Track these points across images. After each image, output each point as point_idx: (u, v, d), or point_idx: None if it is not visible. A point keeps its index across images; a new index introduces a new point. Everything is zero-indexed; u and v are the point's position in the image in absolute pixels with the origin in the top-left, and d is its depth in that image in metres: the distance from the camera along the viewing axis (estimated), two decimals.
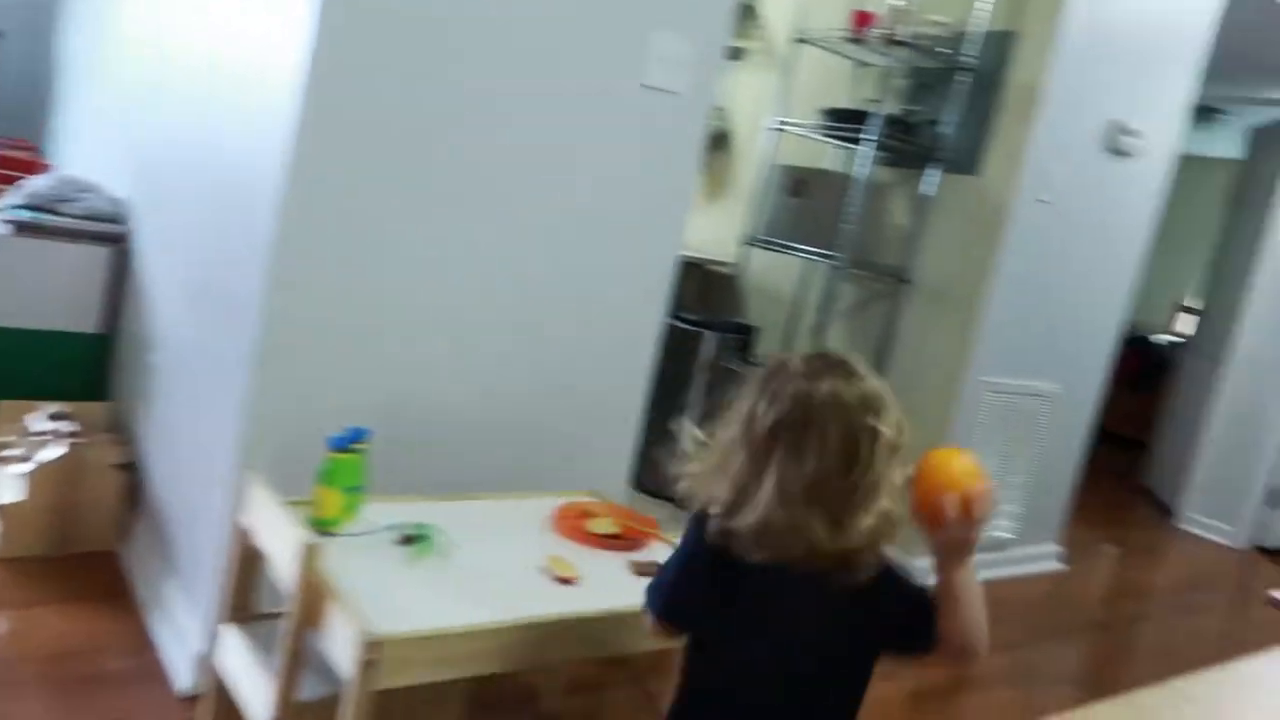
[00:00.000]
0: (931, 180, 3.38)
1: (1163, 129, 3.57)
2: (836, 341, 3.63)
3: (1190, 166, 3.61)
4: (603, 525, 1.79)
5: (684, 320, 3.66)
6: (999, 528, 3.58)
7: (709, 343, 3.62)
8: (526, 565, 1.63)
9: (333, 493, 1.58)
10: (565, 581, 1.59)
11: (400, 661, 1.30)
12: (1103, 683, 2.90)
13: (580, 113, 2.11)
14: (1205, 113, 6.05)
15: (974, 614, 1.16)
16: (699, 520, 1.20)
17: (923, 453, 1.20)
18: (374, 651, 1.26)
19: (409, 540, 1.59)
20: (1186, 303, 7.60)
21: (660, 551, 1.80)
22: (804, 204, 3.48)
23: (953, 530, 1.14)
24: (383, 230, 1.92)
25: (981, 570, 3.25)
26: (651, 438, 3.57)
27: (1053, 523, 3.87)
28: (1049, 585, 3.68)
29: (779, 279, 3.91)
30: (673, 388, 3.63)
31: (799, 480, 1.11)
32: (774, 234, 3.56)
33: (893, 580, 1.19)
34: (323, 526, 1.56)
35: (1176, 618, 3.60)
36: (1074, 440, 3.82)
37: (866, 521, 1.10)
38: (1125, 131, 3.39)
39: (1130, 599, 3.78)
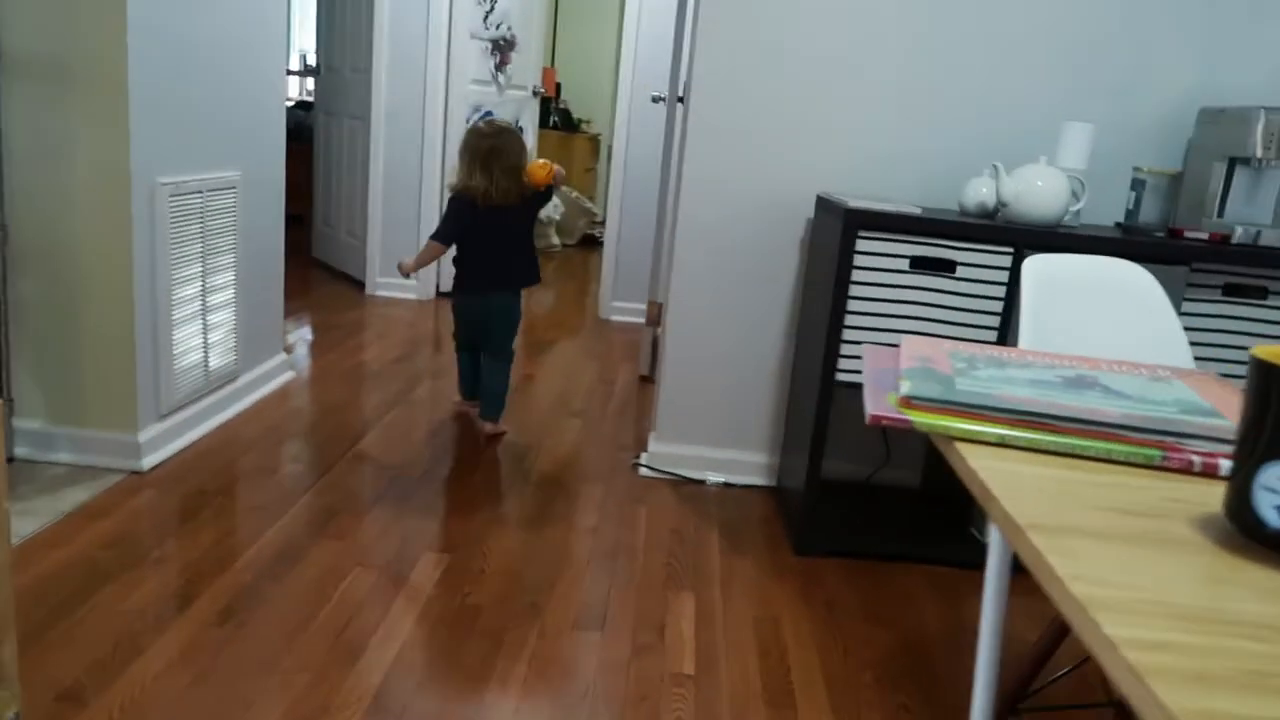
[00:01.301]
0: None
1: None
2: None
3: None
4: None
5: None
6: (223, 361, 2.93)
7: None
8: None
9: None
10: None
11: None
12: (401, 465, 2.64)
13: None
14: None
15: (546, 175, 2.85)
16: (458, 196, 2.87)
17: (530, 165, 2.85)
18: None
19: None
20: (291, 67, 7.32)
21: None
22: None
23: (544, 184, 2.87)
24: None
25: (217, 414, 2.61)
26: None
27: (273, 329, 3.35)
28: (289, 399, 3.22)
29: None
30: None
31: (497, 171, 2.80)
32: None
33: (539, 194, 2.92)
34: None
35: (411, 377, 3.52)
36: (272, 230, 3.26)
37: (523, 182, 2.84)
38: None
39: (368, 378, 3.55)
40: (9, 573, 1.44)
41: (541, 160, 2.85)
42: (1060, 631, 1.41)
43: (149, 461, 2.54)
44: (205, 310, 2.82)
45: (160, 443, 2.60)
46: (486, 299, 2.96)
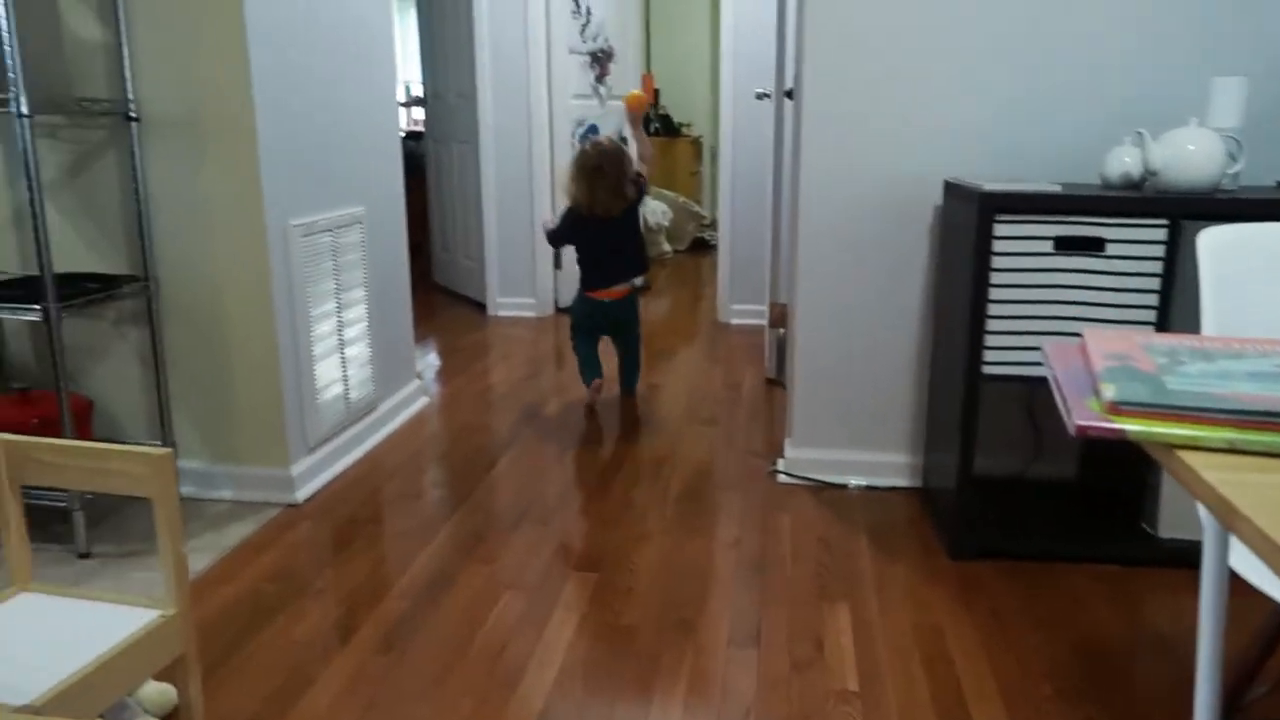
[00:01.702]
0: None
1: None
2: (65, 217, 2.50)
3: None
4: None
5: None
6: (362, 392, 3.01)
7: None
8: None
9: None
10: None
11: None
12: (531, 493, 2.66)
13: None
14: None
15: (648, 149, 3.50)
16: (572, 207, 3.36)
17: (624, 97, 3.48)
18: None
19: None
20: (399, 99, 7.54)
21: None
22: None
23: (641, 114, 3.46)
24: None
25: (360, 444, 2.66)
26: None
27: (406, 357, 3.44)
28: (426, 425, 3.29)
29: None
30: None
31: (599, 188, 3.26)
32: None
33: (636, 198, 3.37)
34: None
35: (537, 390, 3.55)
36: (397, 260, 3.35)
37: (629, 195, 3.32)
38: None
39: (498, 399, 3.61)
40: (190, 615, 1.50)
41: (637, 91, 3.51)
42: (1272, 640, 1.29)
43: (303, 494, 2.63)
44: (342, 344, 2.91)
45: (311, 475, 2.70)
46: (613, 303, 3.44)
